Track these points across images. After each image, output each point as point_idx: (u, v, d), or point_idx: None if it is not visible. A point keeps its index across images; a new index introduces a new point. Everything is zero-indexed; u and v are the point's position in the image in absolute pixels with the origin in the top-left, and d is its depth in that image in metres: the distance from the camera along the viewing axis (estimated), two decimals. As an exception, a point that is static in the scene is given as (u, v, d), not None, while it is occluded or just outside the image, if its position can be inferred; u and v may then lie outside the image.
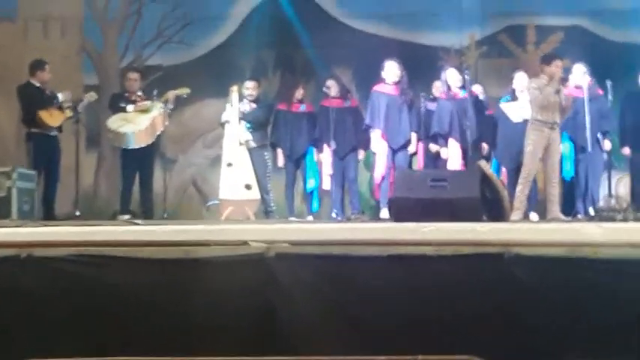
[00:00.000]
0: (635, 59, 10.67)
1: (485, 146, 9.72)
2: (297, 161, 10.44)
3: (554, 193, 8.91)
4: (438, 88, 10.35)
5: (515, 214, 8.69)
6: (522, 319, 5.23)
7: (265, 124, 10.58)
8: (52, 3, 13.09)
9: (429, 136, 9.89)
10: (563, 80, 8.94)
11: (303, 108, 10.51)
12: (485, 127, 9.76)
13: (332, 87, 10.30)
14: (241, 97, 10.34)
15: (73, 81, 12.51)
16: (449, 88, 9.77)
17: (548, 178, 8.92)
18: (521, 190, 8.82)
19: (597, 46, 12.02)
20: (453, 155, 9.68)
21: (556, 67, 8.93)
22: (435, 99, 10.24)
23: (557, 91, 8.83)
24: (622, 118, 9.85)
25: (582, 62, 9.88)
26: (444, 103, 9.77)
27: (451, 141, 9.67)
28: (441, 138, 9.80)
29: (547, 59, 9.19)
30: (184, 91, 10.42)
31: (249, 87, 10.39)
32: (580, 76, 9.60)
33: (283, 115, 10.55)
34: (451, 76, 9.76)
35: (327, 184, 10.12)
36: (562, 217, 8.85)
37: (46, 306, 5.45)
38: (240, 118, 10.18)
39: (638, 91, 10.09)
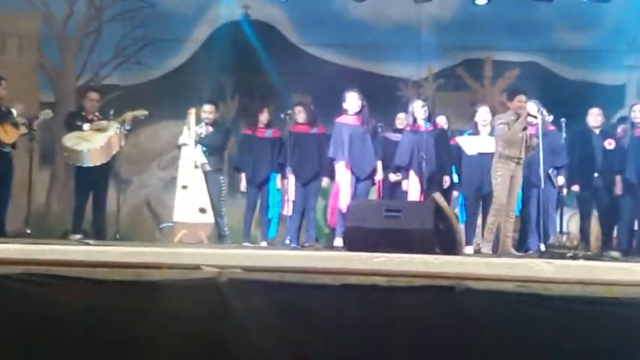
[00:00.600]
0: (586, 97, 10.85)
1: (446, 179, 9.76)
2: (259, 186, 10.41)
3: (510, 227, 8.99)
4: (401, 120, 10.41)
5: (486, 246, 8.76)
6: (472, 353, 5.26)
7: (222, 148, 10.56)
8: (9, 19, 12.98)
9: (389, 166, 9.94)
10: (529, 116, 9.01)
11: (269, 133, 10.48)
12: (448, 159, 9.82)
13: (299, 113, 10.30)
14: (199, 120, 10.31)
15: (30, 98, 12.35)
16: (414, 120, 9.82)
17: (506, 212, 8.96)
18: (493, 221, 8.87)
19: (551, 82, 12.18)
20: (413, 187, 9.72)
21: (519, 102, 9.00)
22: (398, 130, 10.29)
23: (524, 128, 8.90)
24: (571, 155, 9.93)
25: (535, 98, 9.99)
26: (408, 135, 9.83)
27: (412, 173, 9.72)
28: (403, 169, 9.85)
29: (510, 94, 9.28)
30: (142, 113, 10.37)
31: (207, 110, 10.36)
32: (533, 112, 9.71)
33: (248, 139, 10.54)
34: (417, 108, 9.81)
35: (288, 210, 10.08)
36: (514, 252, 8.92)
37: (-7, 324, 5.39)
38: (197, 142, 10.15)
39: (587, 128, 10.22)
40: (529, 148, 9.01)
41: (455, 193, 10.03)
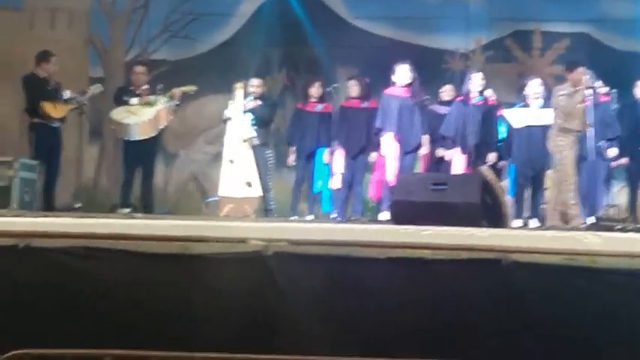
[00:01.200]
0: (636, 68, 10.69)
1: (491, 155, 9.67)
2: (307, 160, 10.41)
3: (571, 198, 8.79)
4: (447, 91, 10.35)
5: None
6: (518, 326, 5.23)
7: (269, 122, 10.58)
8: (59, -5, 13.11)
9: (435, 139, 9.89)
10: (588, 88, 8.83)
11: (320, 107, 10.47)
12: (495, 135, 9.74)
13: (353, 86, 10.28)
14: (246, 94, 10.32)
15: (79, 73, 12.51)
16: (468, 92, 9.76)
17: (564, 183, 8.79)
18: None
19: (602, 53, 12.02)
20: (456, 159, 9.67)
21: (579, 74, 8.86)
22: (443, 102, 10.24)
23: (583, 100, 8.75)
24: (620, 127, 9.80)
25: (587, 68, 9.89)
26: (457, 106, 9.77)
27: (457, 145, 9.68)
28: (449, 140, 9.80)
29: (570, 66, 9.14)
30: (191, 88, 10.42)
31: (255, 84, 10.38)
32: (587, 83, 9.59)
33: (298, 113, 10.56)
34: (476, 80, 9.75)
35: (338, 183, 10.07)
36: (580, 221, 8.67)
37: (42, 296, 5.46)
38: (247, 111, 10.16)
39: (635, 100, 10.08)
40: (586, 121, 8.83)
41: (502, 166, 9.94)
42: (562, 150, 8.76)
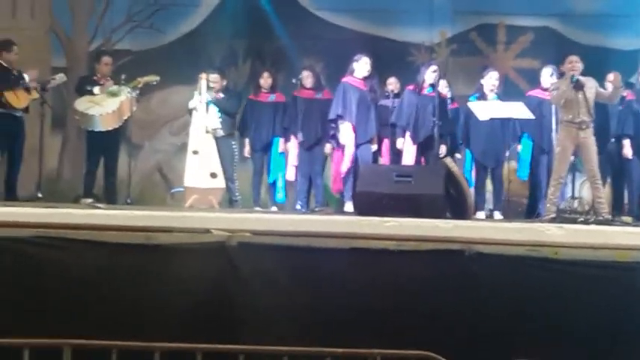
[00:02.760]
0: (601, 62, 10.75)
1: (443, 147, 9.69)
2: (263, 151, 10.39)
3: (599, 194, 8.67)
4: (393, 84, 10.32)
5: (548, 217, 8.42)
6: (480, 316, 5.26)
7: (233, 114, 10.52)
8: (21, -18, 12.97)
9: (386, 125, 9.85)
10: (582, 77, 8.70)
11: (272, 98, 10.45)
12: (446, 128, 9.75)
13: (307, 77, 10.24)
14: (208, 87, 10.28)
15: (41, 62, 12.33)
16: (423, 82, 9.75)
17: (590, 180, 8.74)
18: (553, 192, 8.65)
19: (565, 47, 12.05)
20: (407, 150, 9.65)
21: (570, 64, 8.81)
22: (387, 96, 10.18)
23: (578, 88, 8.63)
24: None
25: (549, 64, 9.92)
26: (409, 96, 9.76)
27: (407, 135, 9.66)
28: (400, 130, 9.77)
29: (562, 57, 9.07)
30: (154, 79, 10.33)
31: (213, 80, 10.31)
32: (547, 78, 9.62)
33: (251, 104, 10.51)
34: (429, 73, 9.73)
35: (291, 175, 10.08)
36: (609, 217, 8.42)
37: (3, 286, 5.42)
38: (212, 103, 10.11)
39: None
40: (590, 110, 8.68)
41: (458, 158, 9.95)
42: (557, 147, 8.70)
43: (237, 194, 10.31)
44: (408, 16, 12.68)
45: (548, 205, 8.65)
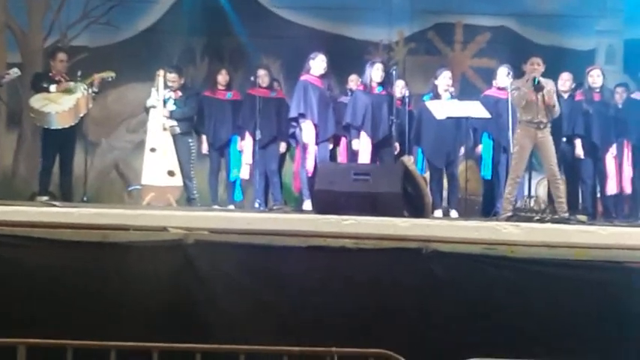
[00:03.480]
0: (557, 62, 10.83)
1: (396, 145, 9.71)
2: (220, 149, 10.35)
3: (559, 193, 8.70)
4: (354, 81, 10.34)
5: (505, 215, 8.36)
6: (437, 315, 5.29)
7: (190, 112, 10.47)
8: (-25, -22, 12.81)
9: (343, 126, 9.86)
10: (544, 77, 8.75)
11: (229, 95, 10.42)
12: (398, 126, 9.77)
13: (263, 76, 10.22)
14: (165, 86, 10.22)
15: (-4, 58, 12.26)
16: (370, 81, 9.77)
17: (550, 178, 8.81)
18: (510, 191, 8.65)
19: (522, 47, 12.14)
20: (363, 149, 9.67)
21: (531, 65, 8.84)
22: (350, 92, 10.22)
23: (538, 89, 8.67)
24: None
25: (506, 63, 9.98)
26: (361, 96, 9.78)
27: (363, 134, 9.68)
28: (354, 129, 9.79)
29: (525, 58, 9.12)
30: (110, 74, 10.25)
31: (171, 79, 10.26)
32: (504, 78, 9.68)
33: (208, 101, 10.46)
34: (374, 71, 9.76)
35: (245, 174, 10.04)
36: (566, 216, 8.31)
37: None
38: (165, 103, 10.06)
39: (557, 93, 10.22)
40: (551, 110, 8.76)
41: (411, 158, 9.97)
42: (515, 146, 8.73)
43: (194, 192, 10.27)
44: (367, 14, 12.70)
45: (504, 203, 8.71)
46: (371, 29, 12.75)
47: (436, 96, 9.83)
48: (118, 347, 4.29)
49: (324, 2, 12.68)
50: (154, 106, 10.11)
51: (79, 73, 10.07)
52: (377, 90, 9.70)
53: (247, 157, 9.98)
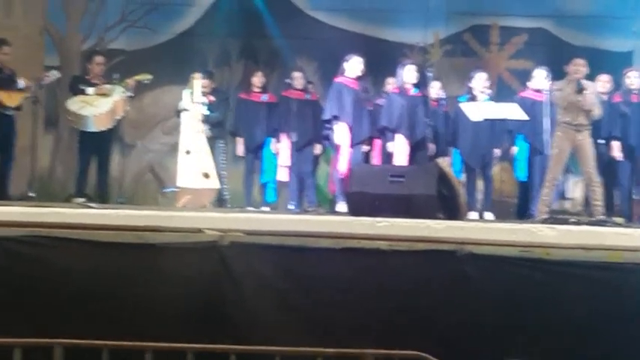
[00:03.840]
0: (594, 63, 10.77)
1: (431, 147, 9.70)
2: (255, 151, 10.39)
3: (596, 196, 8.66)
4: (391, 84, 10.35)
5: (540, 217, 8.40)
6: (472, 317, 5.27)
7: (223, 115, 10.54)
8: (15, -19, 12.95)
9: (378, 129, 9.86)
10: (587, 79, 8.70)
11: (264, 98, 10.45)
12: (437, 125, 9.76)
13: (297, 78, 10.25)
14: (197, 91, 10.28)
15: (34, 62, 12.37)
16: (404, 83, 9.77)
17: (588, 181, 8.76)
18: (546, 193, 8.66)
19: (559, 48, 12.08)
20: (399, 151, 9.66)
21: (574, 66, 8.80)
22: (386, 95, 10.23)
23: (579, 91, 8.66)
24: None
25: (543, 65, 9.93)
26: (396, 98, 9.77)
27: (399, 137, 9.67)
28: (389, 132, 9.78)
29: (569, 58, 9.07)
30: (146, 77, 10.32)
31: (203, 84, 10.29)
32: (541, 80, 9.62)
33: (244, 103, 10.51)
34: (407, 73, 9.75)
35: (282, 176, 10.07)
36: (603, 218, 8.29)
37: (-5, 285, 5.41)
38: (202, 105, 10.11)
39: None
40: (589, 113, 8.75)
41: (445, 159, 9.95)
42: (553, 148, 8.70)
43: (226, 194, 10.31)
44: (402, 16, 12.69)
45: (541, 205, 8.66)
46: (406, 31, 12.73)
47: (472, 98, 9.80)
48: (154, 348, 4.33)
49: (359, 4, 12.68)
50: (186, 109, 10.15)
51: (116, 76, 10.15)
52: (412, 92, 9.68)
53: (283, 160, 10.00)
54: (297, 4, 12.89)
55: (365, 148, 9.80)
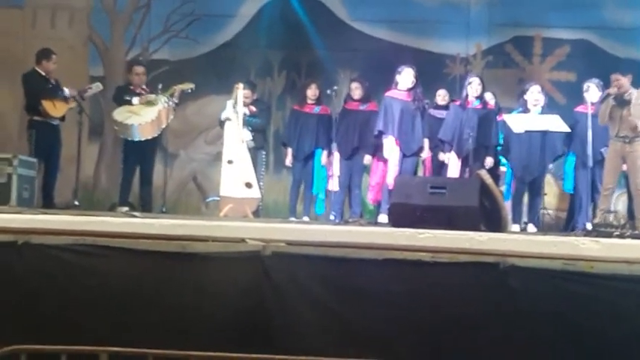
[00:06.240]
0: (638, 75, 10.69)
1: (489, 160, 9.68)
2: (304, 162, 10.44)
3: None
4: (442, 96, 10.38)
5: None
6: (515, 329, 5.24)
7: (264, 126, 10.63)
8: (60, -7, 13.12)
9: (435, 143, 9.90)
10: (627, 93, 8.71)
11: (317, 110, 10.51)
12: (493, 140, 9.75)
13: (355, 89, 10.32)
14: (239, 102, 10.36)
15: (79, 72, 12.53)
16: (467, 95, 9.80)
17: (635, 192, 8.76)
18: (602, 201, 8.77)
19: (602, 60, 12.02)
20: (453, 163, 9.69)
21: (616, 80, 8.81)
22: (439, 107, 10.27)
23: (625, 105, 8.68)
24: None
25: (586, 76, 9.89)
26: (455, 110, 9.80)
27: (454, 149, 9.71)
28: (447, 144, 9.82)
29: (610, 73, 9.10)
30: (189, 86, 10.42)
31: (244, 95, 10.37)
32: (595, 92, 9.55)
33: (296, 115, 10.59)
34: (474, 85, 9.77)
35: (333, 186, 10.10)
36: None
37: (40, 293, 5.47)
38: (244, 116, 10.18)
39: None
40: (635, 126, 8.68)
41: (502, 170, 9.96)
42: (607, 160, 8.77)
43: (260, 204, 10.34)
44: (444, 27, 12.71)
45: (598, 213, 8.66)
46: (448, 42, 12.75)
47: (525, 110, 9.81)
48: (198, 357, 4.35)
49: (401, 16, 12.70)
50: (228, 119, 10.22)
51: (160, 86, 10.25)
52: (473, 104, 9.70)
53: (335, 170, 10.05)
54: (338, 15, 12.94)
55: (415, 159, 9.83)
